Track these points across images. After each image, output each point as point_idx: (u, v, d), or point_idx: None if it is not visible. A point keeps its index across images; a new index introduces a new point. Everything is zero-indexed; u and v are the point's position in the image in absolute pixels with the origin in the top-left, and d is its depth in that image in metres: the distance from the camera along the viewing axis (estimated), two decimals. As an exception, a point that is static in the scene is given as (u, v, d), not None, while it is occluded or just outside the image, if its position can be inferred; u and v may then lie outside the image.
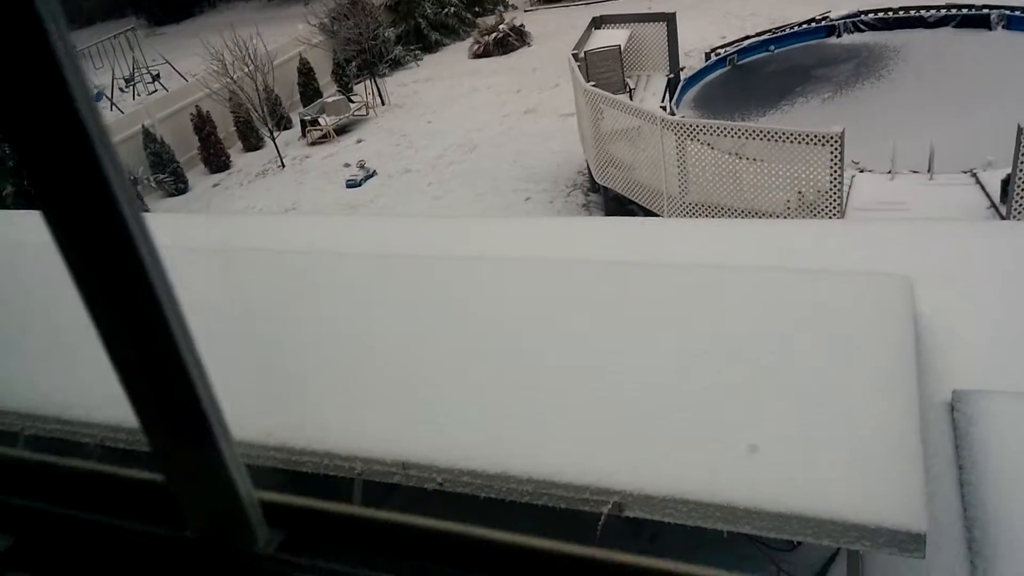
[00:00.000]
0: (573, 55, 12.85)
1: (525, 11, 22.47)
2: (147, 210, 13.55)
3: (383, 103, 17.13)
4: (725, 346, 2.41)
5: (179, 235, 4.25)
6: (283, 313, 2.87)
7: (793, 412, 2.10)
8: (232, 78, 15.09)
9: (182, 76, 19.07)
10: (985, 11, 13.61)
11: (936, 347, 3.06)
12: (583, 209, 11.72)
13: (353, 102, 16.77)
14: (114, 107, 18.93)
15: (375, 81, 17.31)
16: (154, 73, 20.94)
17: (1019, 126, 7.69)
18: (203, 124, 15.22)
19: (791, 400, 2.14)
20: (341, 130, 16.02)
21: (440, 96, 16.96)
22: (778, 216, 9.40)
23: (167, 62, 20.04)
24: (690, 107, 13.05)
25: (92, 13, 29.88)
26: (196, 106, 15.35)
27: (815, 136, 9.07)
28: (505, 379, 2.35)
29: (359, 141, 15.47)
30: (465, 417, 2.21)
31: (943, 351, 3.05)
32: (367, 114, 16.65)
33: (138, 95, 20.10)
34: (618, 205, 11.29)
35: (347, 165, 14.08)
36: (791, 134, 9.36)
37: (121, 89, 20.86)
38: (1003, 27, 13.30)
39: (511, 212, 11.51)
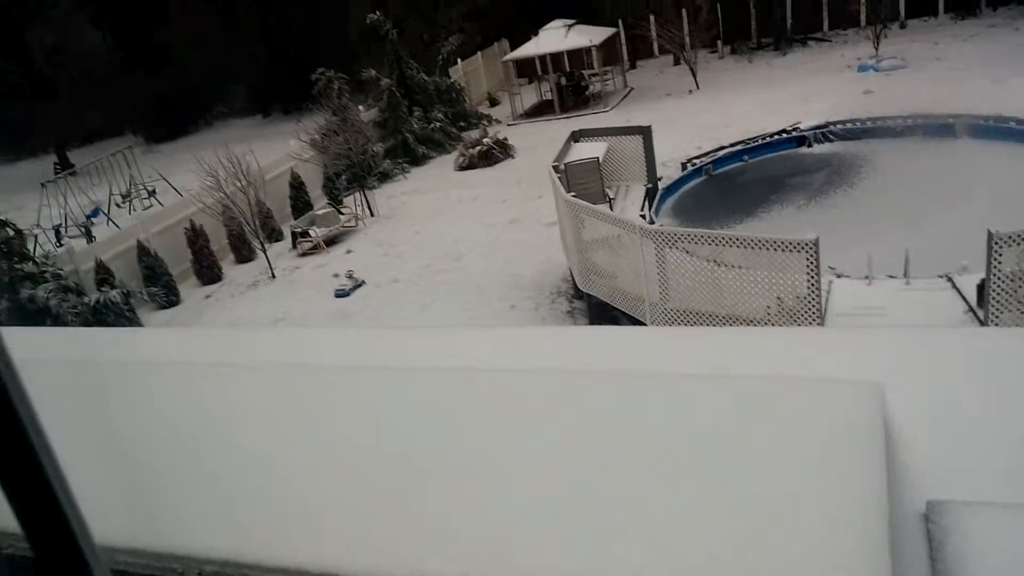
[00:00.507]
0: (554, 167, 13.31)
1: (508, 125, 23.34)
2: (139, 324, 13.61)
3: (372, 214, 17.54)
4: (691, 457, 2.45)
5: (145, 350, 4.28)
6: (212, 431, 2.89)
7: (760, 526, 2.12)
8: (225, 193, 15.49)
9: (177, 191, 19.52)
10: (950, 120, 14.29)
11: (912, 456, 3.10)
12: (567, 316, 11.86)
13: (343, 214, 17.16)
14: (111, 222, 19.28)
15: (364, 193, 17.78)
16: (150, 189, 21.46)
17: (989, 232, 7.95)
18: (196, 237, 15.49)
19: (757, 514, 2.17)
20: (331, 241, 16.32)
21: (427, 207, 17.40)
22: (758, 322, 9.55)
23: (163, 178, 20.54)
24: (669, 215, 13.44)
25: (92, 131, 30.81)
26: (190, 220, 15.66)
27: (791, 243, 9.31)
28: (416, 484, 2.38)
29: (348, 252, 15.75)
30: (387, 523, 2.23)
31: (919, 460, 3.09)
32: (356, 225, 17.02)
33: (134, 210, 20.51)
34: (602, 312, 11.45)
35: (336, 275, 14.27)
36: (767, 241, 9.62)
37: (118, 205, 21.32)
38: (967, 135, 13.95)
39: (497, 320, 11.64)
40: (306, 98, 22.23)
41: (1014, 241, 7.87)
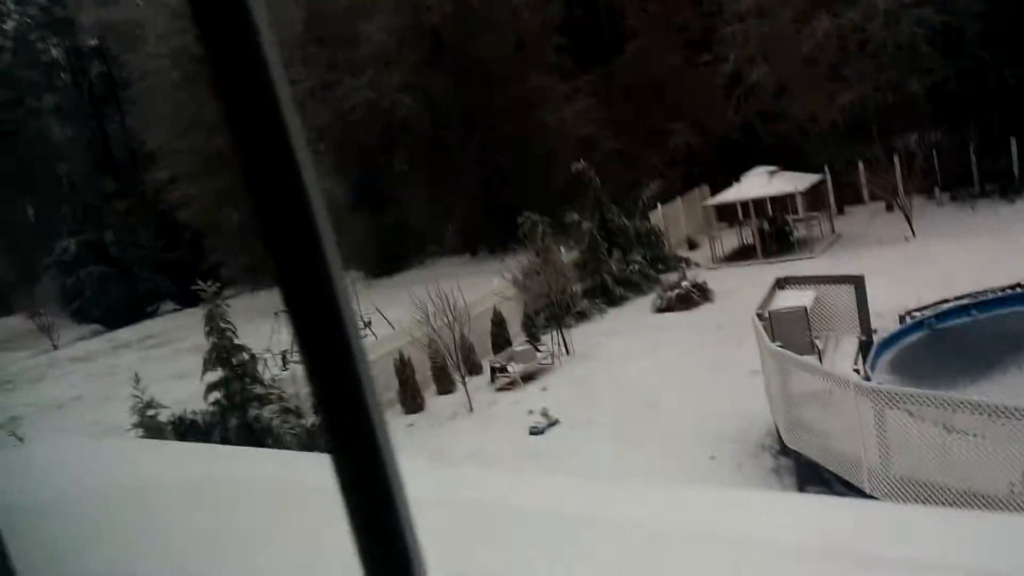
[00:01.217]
0: (757, 315, 12.99)
1: (707, 269, 23.25)
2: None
3: (568, 353, 17.87)
4: None
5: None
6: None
7: None
8: (433, 327, 16.50)
9: (390, 324, 20.98)
10: None
11: None
12: (772, 473, 11.21)
13: (540, 351, 17.64)
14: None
15: (561, 332, 18.22)
16: (366, 320, 23.31)
17: None
18: (403, 368, 16.49)
19: None
20: (528, 378, 16.74)
21: (623, 349, 17.46)
22: (999, 499, 8.52)
23: (378, 311, 22.25)
24: (886, 372, 12.54)
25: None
26: (399, 351, 16.74)
27: (1033, 413, 8.39)
28: None
29: (544, 389, 16.04)
30: None
31: None
32: (552, 363, 17.38)
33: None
34: (811, 471, 10.71)
35: (531, 412, 14.51)
36: (1006, 408, 8.72)
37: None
38: None
39: (694, 471, 11.21)
40: (511, 239, 23.56)
41: None
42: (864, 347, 13.24)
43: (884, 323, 14.30)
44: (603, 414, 13.92)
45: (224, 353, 15.24)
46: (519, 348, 17.64)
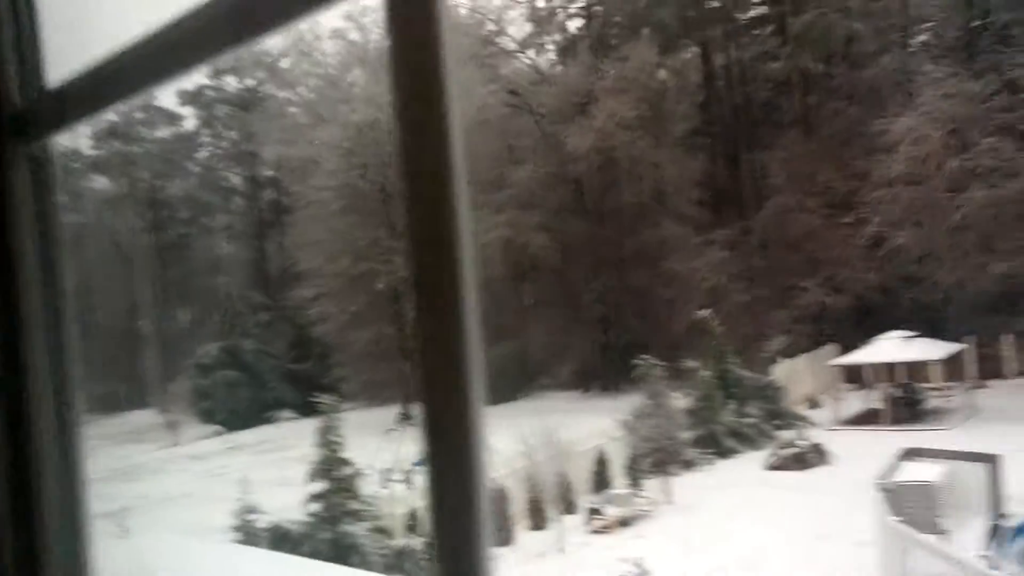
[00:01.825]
0: (878, 485, 12.17)
1: (828, 430, 22.02)
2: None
3: (669, 502, 17.14)
4: None
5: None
6: None
7: None
8: (532, 460, 16.36)
9: (492, 452, 20.97)
10: None
11: None
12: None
13: (641, 497, 17.03)
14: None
15: (663, 480, 17.57)
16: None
17: None
18: (499, 499, 16.30)
19: None
20: (625, 523, 16.13)
21: (728, 504, 16.59)
22: None
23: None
24: (1018, 562, 11.26)
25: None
26: (496, 481, 16.62)
27: None
28: None
29: (639, 537, 15.37)
30: None
31: None
32: (651, 511, 16.69)
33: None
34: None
35: (624, 560, 13.87)
36: None
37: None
38: None
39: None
40: (626, 380, 23.36)
41: None
42: (996, 532, 12.01)
43: (1021, 509, 12.94)
44: (698, 571, 13.13)
45: (329, 465, 15.68)
46: (619, 492, 17.11)
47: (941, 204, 24.86)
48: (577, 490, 17.85)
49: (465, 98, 35.75)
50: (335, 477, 15.42)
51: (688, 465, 19.74)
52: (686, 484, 18.36)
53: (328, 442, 15.55)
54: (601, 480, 18.33)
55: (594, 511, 16.49)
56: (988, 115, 24.45)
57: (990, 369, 25.24)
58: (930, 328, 24.12)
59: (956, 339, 23.93)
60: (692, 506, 16.88)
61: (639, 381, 20.97)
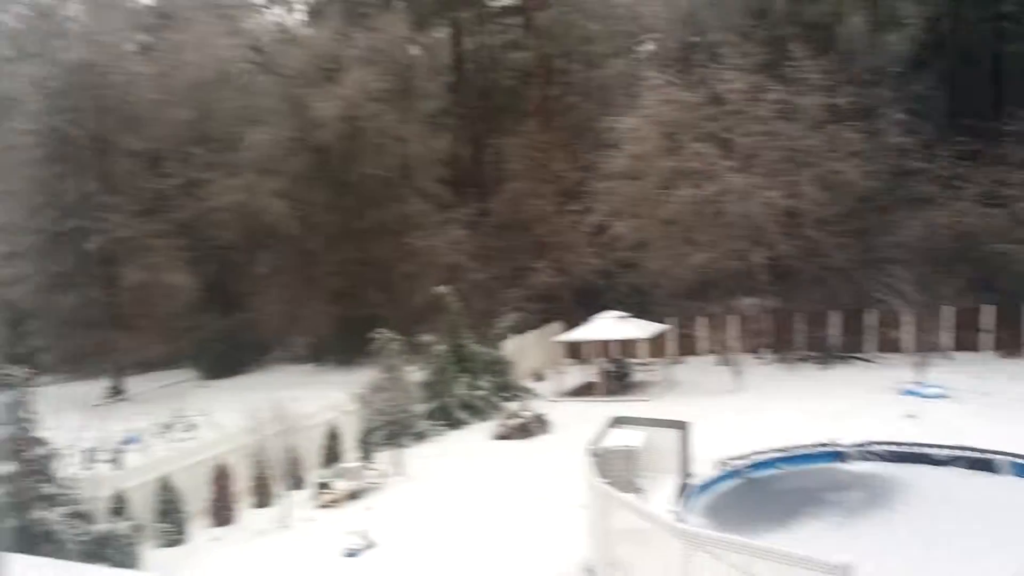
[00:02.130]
0: (588, 451, 13.22)
1: (550, 401, 23.66)
2: (135, 561, 13.14)
3: (401, 474, 17.38)
4: None
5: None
6: None
7: None
8: (260, 435, 15.69)
9: (216, 428, 19.85)
10: (993, 456, 13.93)
11: None
12: (584, 610, 11.09)
13: (371, 470, 17.06)
14: (143, 452, 19.51)
15: (396, 451, 17.78)
16: (191, 423, 21.93)
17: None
18: (220, 477, 15.47)
19: None
20: (354, 496, 16.07)
21: (457, 472, 17.21)
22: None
23: (205, 414, 21.05)
24: (699, 515, 12.94)
25: (153, 361, 32.27)
26: (219, 459, 15.75)
27: (822, 564, 8.80)
28: None
29: (368, 509, 15.42)
30: None
31: None
32: (382, 483, 16.81)
33: (171, 442, 20.80)
34: (620, 610, 10.68)
35: (350, 533, 13.84)
36: (798, 558, 9.11)
37: (157, 435, 21.71)
38: (1011, 473, 13.51)
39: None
40: (361, 354, 23.18)
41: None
42: (683, 490, 13.67)
43: (704, 469, 14.85)
44: (425, 539, 13.48)
45: (18, 445, 13.84)
46: (349, 465, 17.01)
47: (655, 199, 27.48)
48: (307, 465, 17.46)
49: (200, 50, 33.07)
50: (26, 459, 13.65)
51: (420, 437, 20.15)
52: (418, 455, 18.74)
53: (18, 419, 13.70)
54: (332, 454, 18.11)
55: (323, 485, 16.25)
56: (696, 122, 27.44)
57: (687, 347, 28.67)
58: (640, 309, 26.76)
59: (661, 320, 26.87)
60: (422, 476, 17.27)
61: (375, 355, 20.92)
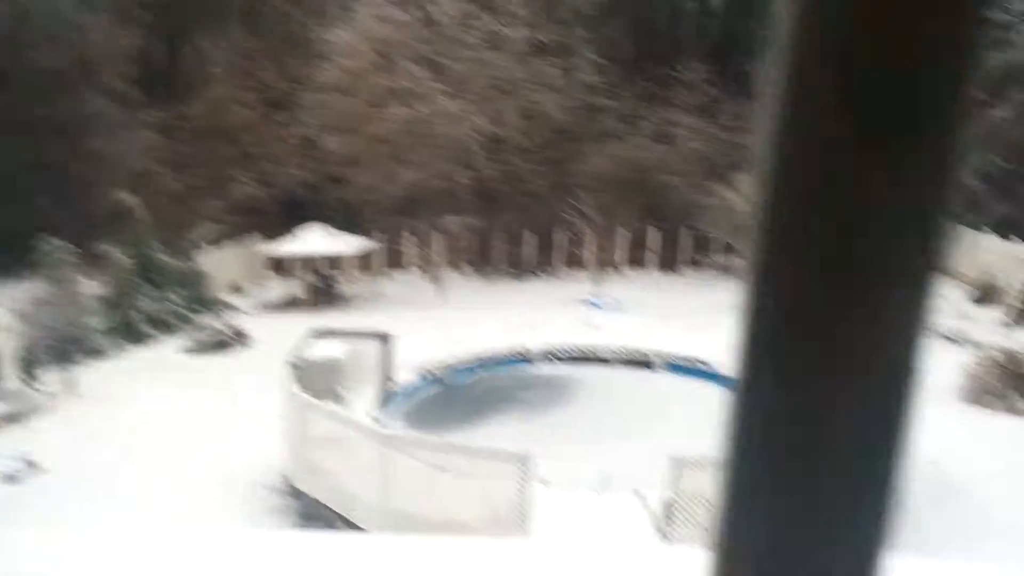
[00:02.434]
0: (289, 362, 12.98)
1: (252, 315, 22.76)
2: None
3: (74, 394, 15.71)
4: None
5: None
6: None
7: None
8: None
9: None
10: (652, 356, 16.15)
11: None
12: (280, 514, 11.04)
13: (37, 390, 15.21)
14: None
15: (67, 370, 16.01)
16: None
17: (671, 458, 8.80)
18: None
19: None
20: (15, 419, 14.25)
21: (140, 391, 15.96)
22: (472, 529, 9.49)
23: None
24: (400, 420, 13.42)
25: None
26: None
27: (505, 454, 9.63)
28: None
29: (34, 432, 13.79)
30: None
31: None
32: (52, 404, 15.09)
33: None
34: (316, 511, 10.83)
35: (9, 458, 12.31)
36: (484, 451, 9.88)
37: None
38: (665, 370, 15.80)
39: (199, 518, 10.52)
40: (24, 265, 20.28)
41: (693, 466, 8.75)
42: (384, 397, 14.03)
43: (406, 377, 15.34)
44: (102, 460, 12.39)
45: None
46: (8, 386, 14.97)
47: (366, 116, 27.14)
48: (-47, 387, 15.08)
49: None
50: None
51: (98, 354, 18.29)
52: (97, 373, 17.04)
53: None
54: (-13, 375, 15.79)
55: (-26, 410, 14.18)
56: (409, 42, 27.32)
57: (394, 261, 29.08)
58: (349, 224, 26.52)
59: (369, 234, 26.88)
60: (101, 395, 15.77)
61: (42, 266, 18.45)
